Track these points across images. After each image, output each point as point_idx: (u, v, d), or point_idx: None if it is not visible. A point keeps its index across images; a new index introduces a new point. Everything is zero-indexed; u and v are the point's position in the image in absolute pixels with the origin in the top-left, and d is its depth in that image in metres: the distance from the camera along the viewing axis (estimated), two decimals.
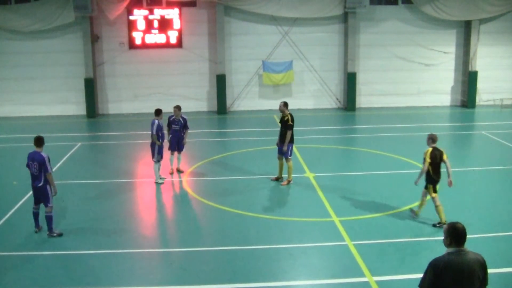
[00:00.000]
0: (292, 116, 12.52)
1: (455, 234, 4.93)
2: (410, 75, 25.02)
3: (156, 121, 12.78)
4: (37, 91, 23.99)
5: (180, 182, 13.43)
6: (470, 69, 24.47)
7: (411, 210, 10.83)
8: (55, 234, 9.88)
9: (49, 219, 9.85)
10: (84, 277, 8.30)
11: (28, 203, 11.79)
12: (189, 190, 12.76)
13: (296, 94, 24.80)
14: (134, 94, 24.43)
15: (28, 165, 9.79)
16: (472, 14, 23.80)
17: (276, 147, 13.22)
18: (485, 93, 25.16)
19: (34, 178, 9.74)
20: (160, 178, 13.26)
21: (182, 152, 14.01)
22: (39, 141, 9.80)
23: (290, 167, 12.84)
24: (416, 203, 10.87)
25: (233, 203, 11.62)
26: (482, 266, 4.97)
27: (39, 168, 9.60)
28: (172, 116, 13.68)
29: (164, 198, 12.58)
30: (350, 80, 24.13)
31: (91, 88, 23.50)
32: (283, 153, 12.74)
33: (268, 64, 23.87)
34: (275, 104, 24.61)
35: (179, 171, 14.02)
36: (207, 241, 9.72)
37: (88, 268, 8.64)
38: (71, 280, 8.19)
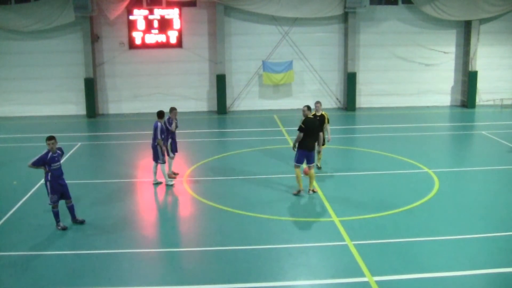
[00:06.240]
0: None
1: None
2: (410, 75, 25.03)
3: (159, 124, 12.58)
4: (37, 91, 23.99)
5: (180, 182, 13.42)
6: (470, 69, 24.48)
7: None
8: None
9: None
10: (84, 277, 8.30)
11: (28, 203, 11.80)
12: (189, 190, 12.75)
13: (296, 94, 24.81)
14: (134, 94, 24.43)
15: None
16: (472, 14, 23.80)
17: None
18: (485, 93, 25.17)
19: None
20: (170, 180, 13.04)
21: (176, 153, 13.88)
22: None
23: None
24: (416, 203, 10.88)
25: (233, 203, 11.62)
26: None
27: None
28: (170, 119, 13.42)
29: (164, 198, 12.57)
30: (350, 80, 24.13)
31: (91, 88, 23.50)
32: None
33: (268, 64, 23.87)
34: (275, 104, 24.74)
35: (174, 173, 13.89)
36: (207, 241, 9.71)
37: (88, 268, 8.64)
38: (71, 280, 8.19)
